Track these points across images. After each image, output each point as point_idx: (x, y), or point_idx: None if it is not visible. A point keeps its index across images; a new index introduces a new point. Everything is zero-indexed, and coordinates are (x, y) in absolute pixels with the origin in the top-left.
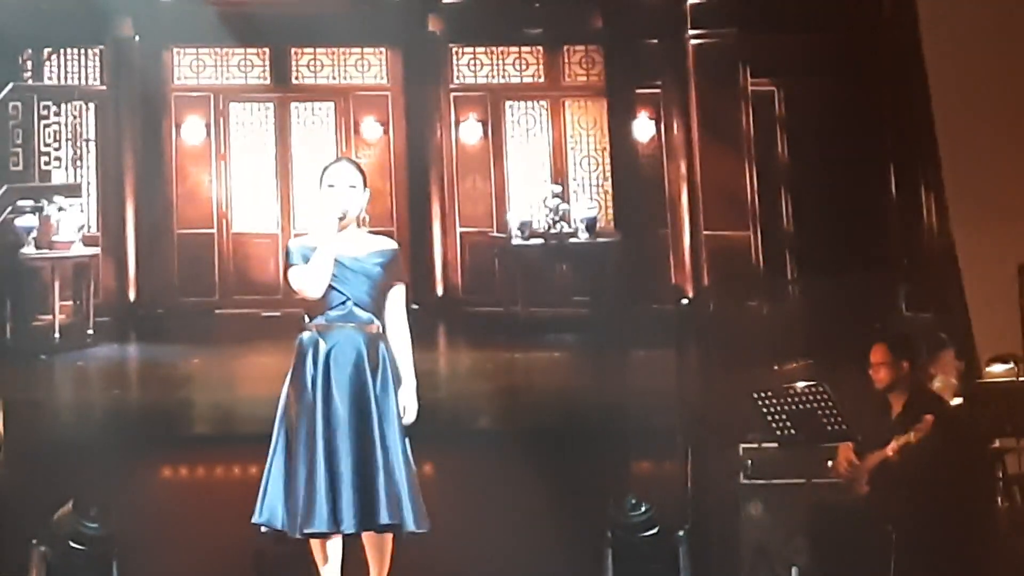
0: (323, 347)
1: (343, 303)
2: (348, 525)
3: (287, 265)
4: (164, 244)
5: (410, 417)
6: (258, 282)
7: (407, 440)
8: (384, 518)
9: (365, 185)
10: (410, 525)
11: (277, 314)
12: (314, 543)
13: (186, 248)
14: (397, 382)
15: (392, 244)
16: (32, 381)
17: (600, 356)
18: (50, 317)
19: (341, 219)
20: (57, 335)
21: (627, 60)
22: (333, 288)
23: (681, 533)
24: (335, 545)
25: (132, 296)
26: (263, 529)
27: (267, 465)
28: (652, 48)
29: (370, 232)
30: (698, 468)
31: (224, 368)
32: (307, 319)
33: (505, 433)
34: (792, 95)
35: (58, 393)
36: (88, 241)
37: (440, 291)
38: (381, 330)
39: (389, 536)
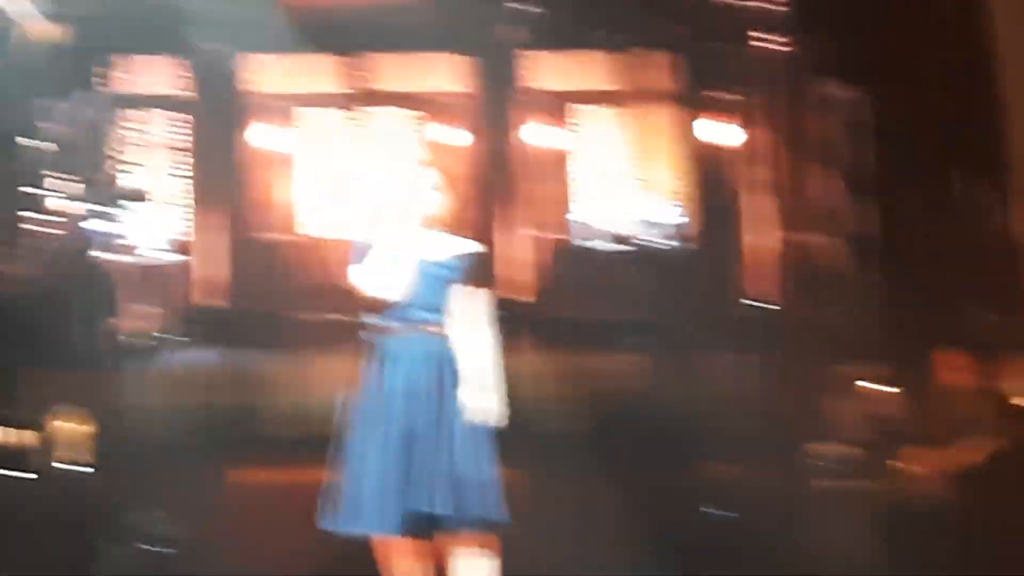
0: (392, 350)
1: (409, 305)
2: (415, 527)
3: (354, 262)
4: (241, 250)
5: (494, 419)
6: (331, 287)
7: (485, 441)
8: (437, 507)
9: (443, 187)
10: (491, 514)
11: (354, 319)
12: (384, 546)
13: (262, 254)
14: (472, 385)
15: (472, 247)
16: (112, 386)
17: (678, 361)
18: (128, 323)
19: (414, 220)
20: (135, 340)
21: (700, 64)
22: (406, 289)
23: (754, 536)
24: (409, 549)
25: (212, 301)
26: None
27: (338, 468)
28: (729, 53)
29: (450, 234)
30: (769, 470)
31: (296, 372)
32: (371, 320)
33: (581, 438)
34: (875, 100)
35: (134, 397)
36: (164, 247)
37: (515, 296)
38: (455, 333)
39: (477, 543)
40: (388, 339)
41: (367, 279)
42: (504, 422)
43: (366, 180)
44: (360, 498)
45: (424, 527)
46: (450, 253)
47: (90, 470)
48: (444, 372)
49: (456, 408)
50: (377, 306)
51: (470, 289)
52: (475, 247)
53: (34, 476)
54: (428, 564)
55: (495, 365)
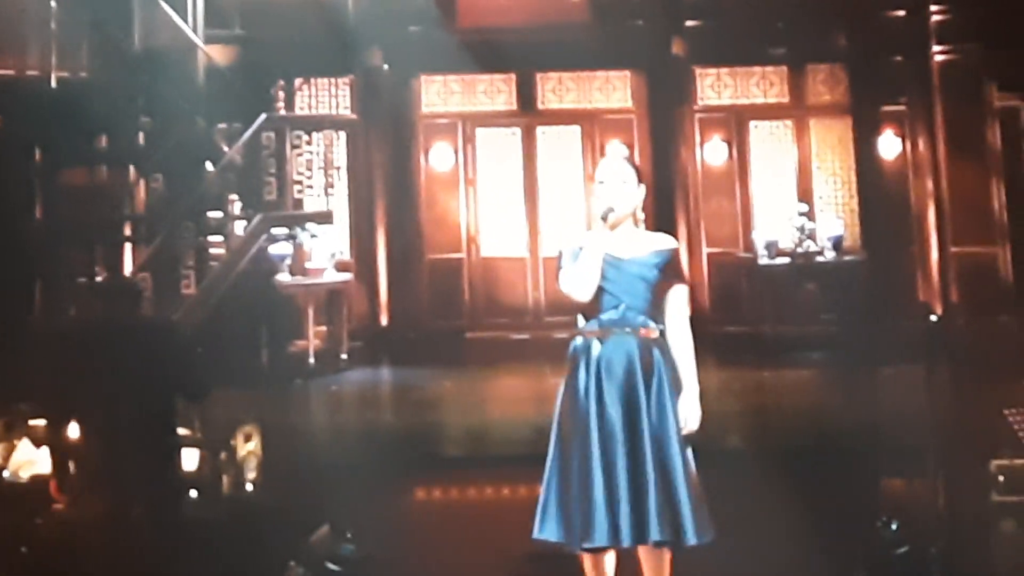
0: (595, 354)
1: (616, 306)
2: (626, 539)
3: (558, 268)
4: (414, 269)
5: (692, 425)
6: (507, 305)
7: (688, 449)
8: (655, 534)
9: (640, 181)
10: (690, 539)
11: (526, 336)
12: (587, 559)
13: (436, 273)
14: (675, 389)
15: (671, 243)
16: (288, 405)
17: (849, 374)
18: (305, 343)
19: (608, 216)
20: (312, 360)
21: (871, 77)
22: (604, 290)
23: (933, 551)
24: (609, 561)
25: (384, 321)
26: (543, 542)
27: (545, 477)
28: (896, 65)
29: (648, 231)
30: (950, 485)
31: (474, 390)
32: (581, 322)
33: (755, 452)
34: None
35: (313, 417)
36: (341, 267)
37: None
38: (658, 334)
39: (667, 554)
40: (591, 341)
41: (565, 278)
42: (697, 427)
43: (537, 199)
44: (594, 514)
45: (639, 541)
46: (648, 248)
47: (277, 490)
48: (661, 377)
49: (664, 415)
50: (582, 306)
51: (673, 286)
52: (672, 242)
53: (223, 497)
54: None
55: (692, 367)
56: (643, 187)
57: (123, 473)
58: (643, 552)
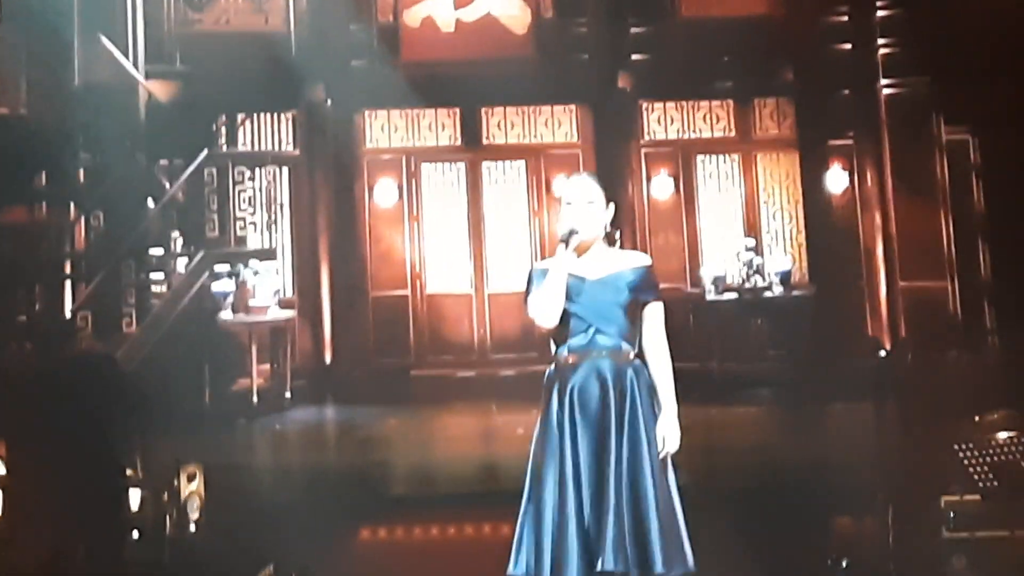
0: (567, 382)
1: (586, 330)
2: (576, 571)
3: (526, 293)
4: (359, 306)
5: (671, 446)
6: (453, 342)
7: (669, 472)
8: (608, 564)
9: (608, 201)
10: (657, 567)
11: (472, 374)
12: None
13: (381, 310)
14: (652, 412)
15: (644, 260)
16: (231, 445)
17: (797, 411)
18: (248, 381)
19: (571, 240)
20: (255, 399)
21: (818, 112)
22: (573, 314)
23: None
24: None
25: (328, 358)
26: None
27: (520, 511)
28: (844, 99)
29: (620, 249)
30: (899, 522)
31: (420, 428)
32: (553, 349)
33: (703, 490)
34: (987, 143)
35: (257, 456)
36: (284, 305)
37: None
38: (633, 356)
39: None
40: (563, 368)
41: (531, 303)
42: (676, 447)
43: (483, 234)
44: (559, 549)
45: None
46: (618, 268)
47: (220, 531)
48: (636, 401)
49: (637, 441)
50: (556, 336)
51: (647, 304)
52: (645, 259)
53: (166, 538)
54: None
55: (670, 386)
56: (612, 206)
57: (62, 512)
58: None
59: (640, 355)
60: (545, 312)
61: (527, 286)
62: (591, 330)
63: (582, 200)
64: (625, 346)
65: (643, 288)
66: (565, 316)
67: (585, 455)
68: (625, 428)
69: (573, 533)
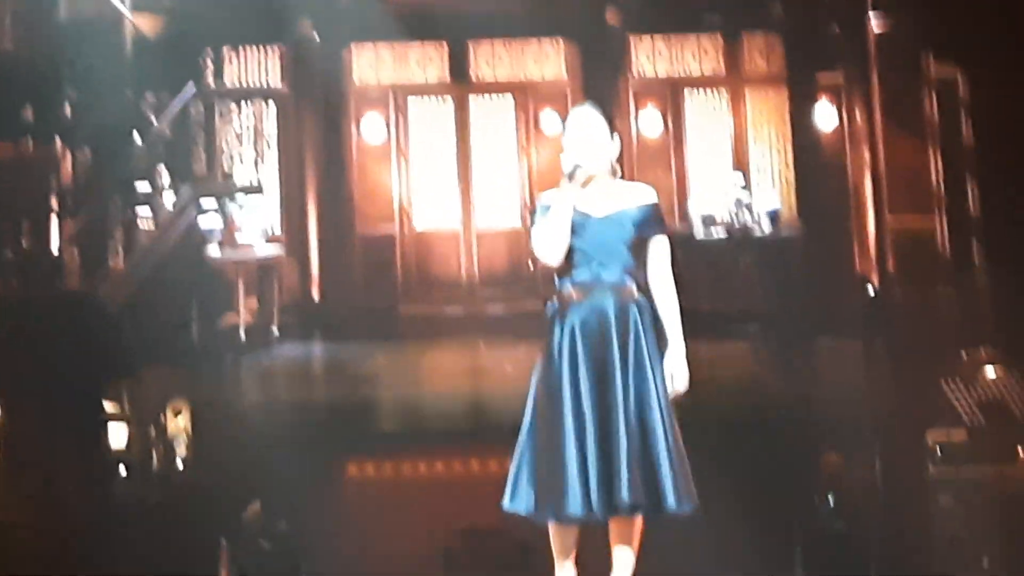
0: (568, 317)
1: (589, 265)
2: (597, 509)
3: (531, 227)
4: (346, 243)
5: (680, 384)
6: (440, 279)
7: (671, 411)
8: (624, 497)
9: (613, 132)
10: (669, 504)
11: (460, 311)
12: (554, 530)
13: (368, 247)
14: (658, 349)
15: (650, 195)
16: (218, 381)
17: (785, 347)
18: (235, 317)
19: (576, 174)
20: (242, 335)
21: (808, 46)
22: (577, 249)
23: (870, 524)
24: (574, 533)
25: (316, 295)
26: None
27: (518, 447)
28: (833, 34)
29: (625, 182)
30: (887, 457)
31: (407, 366)
32: (557, 283)
33: (691, 425)
34: (976, 79)
35: (244, 393)
36: (271, 241)
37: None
38: (636, 292)
39: (637, 523)
40: (565, 303)
41: (541, 242)
42: (686, 386)
43: (470, 170)
44: (567, 485)
45: (625, 512)
46: (624, 202)
47: (208, 467)
48: (640, 338)
49: (643, 377)
50: (560, 271)
51: (653, 239)
52: (652, 194)
53: (153, 474)
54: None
55: (676, 322)
56: (617, 138)
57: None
58: (612, 520)
59: (645, 291)
60: (550, 248)
61: (531, 219)
62: (594, 265)
63: (585, 133)
64: (629, 282)
65: (648, 224)
66: (568, 251)
67: (589, 390)
68: (630, 364)
69: (577, 469)
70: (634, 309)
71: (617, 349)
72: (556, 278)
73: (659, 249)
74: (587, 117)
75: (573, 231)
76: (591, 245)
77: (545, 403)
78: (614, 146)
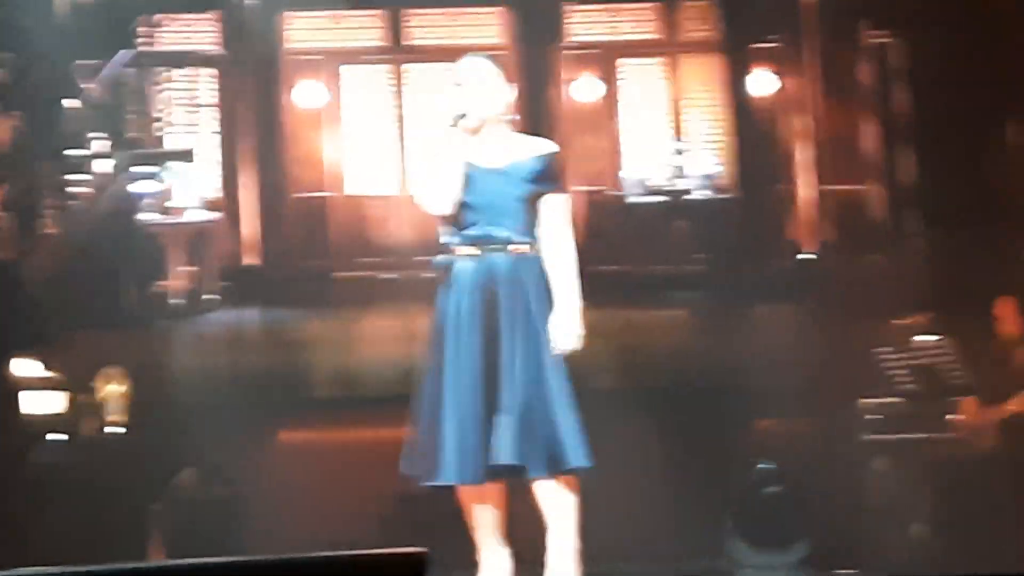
0: (455, 274)
1: (477, 221)
2: (473, 474)
3: (417, 178)
4: (281, 208)
5: (568, 343)
6: (375, 244)
7: (564, 373)
8: (504, 457)
9: (505, 81)
10: (570, 461)
11: (395, 276)
12: (464, 498)
13: (302, 212)
14: (549, 307)
15: (547, 147)
16: (152, 346)
17: (719, 314)
18: (169, 283)
19: (459, 123)
20: (176, 300)
21: (744, 14)
22: (467, 204)
23: (803, 490)
24: (489, 500)
25: (250, 260)
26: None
27: (416, 409)
28: (769, 2)
29: (523, 135)
30: (820, 425)
31: (341, 331)
32: (443, 240)
33: (624, 392)
34: (914, 46)
35: (178, 358)
36: (205, 206)
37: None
38: (528, 250)
39: (564, 492)
40: (463, 263)
41: (425, 193)
42: (575, 345)
43: (404, 137)
44: (442, 448)
45: (507, 473)
46: (518, 155)
47: (141, 432)
48: (529, 297)
49: (539, 338)
50: (446, 225)
51: (548, 196)
52: (549, 146)
53: (85, 440)
54: (504, 502)
55: (572, 280)
56: (512, 87)
57: None
58: (537, 489)
59: (537, 249)
60: (434, 200)
61: (417, 171)
62: (483, 221)
63: (473, 80)
64: (519, 239)
65: (544, 178)
66: (459, 204)
67: (475, 351)
68: (517, 323)
69: (451, 434)
70: (524, 266)
71: (504, 310)
72: (444, 231)
73: (553, 206)
74: (475, 64)
75: (463, 183)
76: (480, 199)
77: (432, 363)
78: (508, 93)
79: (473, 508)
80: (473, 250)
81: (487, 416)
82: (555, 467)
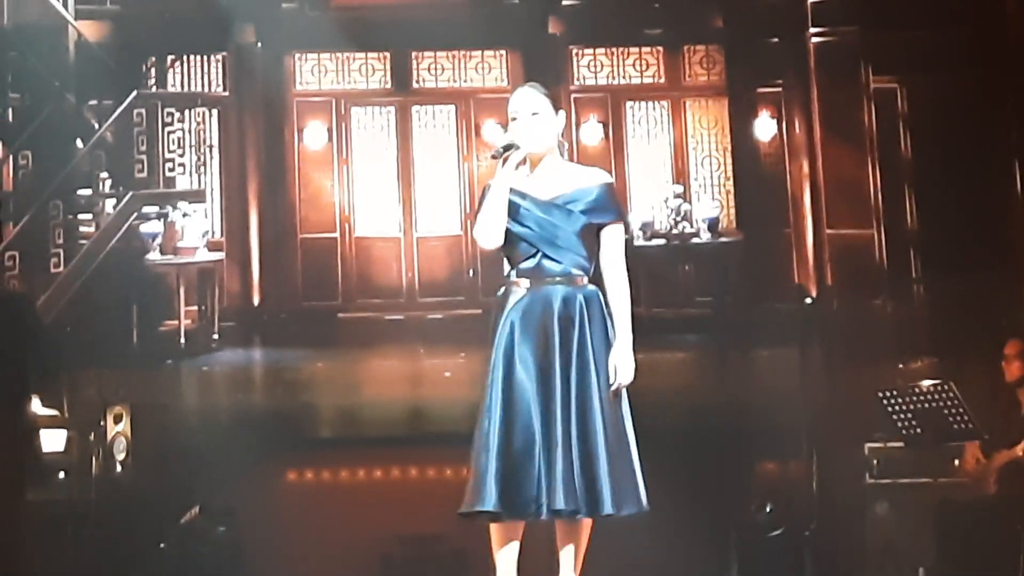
0: (511, 307)
1: (533, 254)
2: (518, 509)
3: (477, 211)
4: (287, 249)
5: (623, 378)
6: (381, 285)
7: (624, 406)
8: (559, 503)
9: (556, 111)
10: (606, 508)
11: (400, 317)
12: (494, 528)
13: (309, 253)
14: (605, 341)
15: (603, 178)
16: (158, 386)
17: (723, 356)
18: (175, 322)
19: (506, 152)
20: (182, 340)
21: (748, 59)
22: (520, 237)
23: (807, 533)
24: (513, 534)
25: (256, 301)
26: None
27: (477, 447)
28: (773, 47)
29: (578, 165)
30: (823, 468)
31: (347, 371)
32: (505, 270)
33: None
34: (915, 92)
35: (184, 397)
36: (212, 246)
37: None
38: (584, 282)
39: (583, 524)
40: (518, 296)
41: (478, 226)
42: (631, 379)
43: (412, 178)
44: (489, 477)
45: (555, 515)
46: (573, 186)
47: (147, 472)
48: (585, 331)
49: (593, 375)
50: (508, 258)
51: (607, 227)
52: (604, 177)
53: (92, 479)
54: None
55: (625, 313)
56: (562, 115)
57: None
58: (558, 526)
59: (596, 280)
60: (485, 232)
61: (478, 205)
62: (539, 255)
63: (526, 111)
64: (577, 272)
65: (601, 209)
66: (514, 238)
67: (531, 386)
68: (573, 358)
69: (494, 465)
70: (580, 298)
71: (558, 343)
72: (505, 263)
73: (613, 236)
74: (525, 95)
75: (516, 216)
76: (533, 233)
77: (489, 400)
78: (558, 123)
79: (503, 545)
80: (528, 282)
81: (539, 451)
82: (601, 509)
